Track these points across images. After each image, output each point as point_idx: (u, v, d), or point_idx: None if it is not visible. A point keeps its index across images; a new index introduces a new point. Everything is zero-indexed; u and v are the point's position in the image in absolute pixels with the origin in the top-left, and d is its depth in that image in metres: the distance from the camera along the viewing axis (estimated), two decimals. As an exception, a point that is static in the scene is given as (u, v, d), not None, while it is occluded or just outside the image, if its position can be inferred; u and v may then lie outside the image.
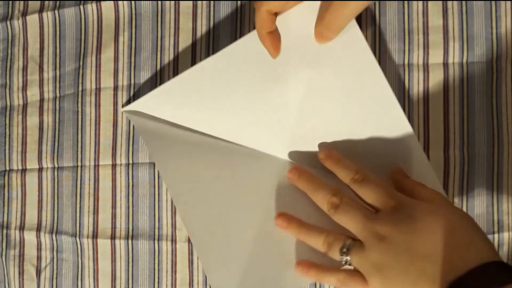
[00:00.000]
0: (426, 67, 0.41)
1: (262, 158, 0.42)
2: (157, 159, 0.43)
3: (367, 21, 0.42)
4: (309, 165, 0.40)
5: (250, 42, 0.40)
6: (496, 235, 0.40)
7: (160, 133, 0.43)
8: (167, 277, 0.45)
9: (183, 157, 0.43)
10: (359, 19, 0.42)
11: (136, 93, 0.45)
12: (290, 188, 0.41)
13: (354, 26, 0.38)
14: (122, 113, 0.45)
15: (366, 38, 0.42)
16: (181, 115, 0.42)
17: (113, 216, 0.45)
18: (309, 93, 0.40)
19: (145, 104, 0.43)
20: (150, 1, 0.45)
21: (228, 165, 0.42)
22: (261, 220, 0.41)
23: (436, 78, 0.41)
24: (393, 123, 0.39)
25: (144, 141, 0.44)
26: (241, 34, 0.44)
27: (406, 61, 0.41)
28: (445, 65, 0.41)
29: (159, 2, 0.45)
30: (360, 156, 0.39)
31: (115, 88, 0.46)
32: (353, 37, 0.38)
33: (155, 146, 0.43)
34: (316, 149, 0.40)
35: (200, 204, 0.42)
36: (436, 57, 0.41)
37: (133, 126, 0.45)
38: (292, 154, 0.41)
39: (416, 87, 0.41)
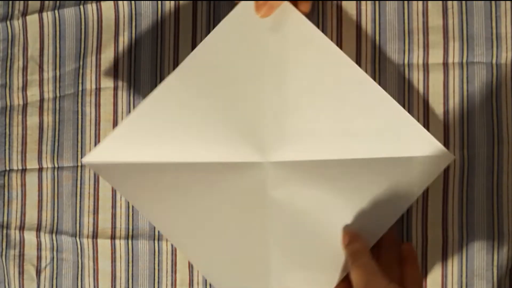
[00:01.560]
0: (426, 67, 0.41)
1: (243, 167, 0.40)
2: (135, 201, 0.41)
3: (367, 21, 0.42)
4: (293, 160, 0.39)
5: (200, 57, 0.39)
6: (496, 236, 0.40)
7: (131, 175, 0.41)
8: (167, 277, 0.45)
9: (161, 191, 0.41)
10: (359, 18, 0.42)
11: (136, 93, 0.45)
12: (279, 190, 0.39)
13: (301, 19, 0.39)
14: (122, 113, 0.45)
15: (366, 38, 0.42)
16: (147, 152, 0.40)
17: (113, 216, 0.45)
18: (277, 90, 0.39)
19: (106, 150, 0.40)
20: (150, 1, 0.45)
21: (209, 185, 0.40)
22: (254, 225, 0.40)
23: (436, 78, 0.41)
24: (367, 92, 0.38)
25: (116, 188, 0.42)
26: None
27: (406, 61, 0.41)
28: (445, 65, 0.41)
29: (159, 2, 0.45)
30: (347, 139, 0.38)
31: (115, 88, 0.45)
32: (298, 23, 0.39)
33: (129, 189, 0.41)
34: (296, 143, 0.39)
35: (194, 231, 0.41)
36: (436, 57, 0.41)
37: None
38: (272, 155, 0.40)
39: (416, 87, 0.41)
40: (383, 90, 0.38)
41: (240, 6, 0.39)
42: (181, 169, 0.40)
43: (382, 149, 0.38)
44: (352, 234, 0.38)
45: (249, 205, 0.40)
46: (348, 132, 0.38)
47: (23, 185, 0.47)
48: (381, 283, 0.34)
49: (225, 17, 0.39)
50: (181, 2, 0.44)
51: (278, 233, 0.39)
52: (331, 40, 0.42)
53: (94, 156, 0.40)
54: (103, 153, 0.40)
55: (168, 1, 0.45)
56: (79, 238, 0.46)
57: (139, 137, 0.40)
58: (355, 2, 0.42)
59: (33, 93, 0.47)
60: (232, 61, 0.40)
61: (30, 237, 0.47)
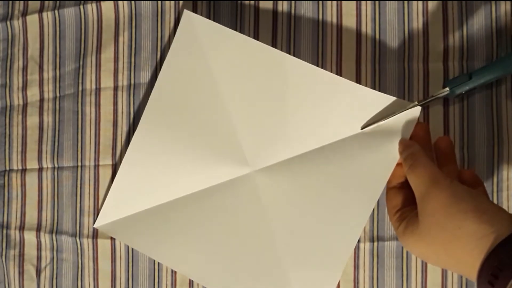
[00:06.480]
0: (425, 67, 0.41)
1: (234, 183, 0.41)
2: (151, 251, 0.44)
3: (367, 21, 0.42)
4: (277, 162, 0.40)
5: (163, 91, 0.42)
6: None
7: (138, 226, 0.43)
8: (167, 277, 0.45)
9: (167, 231, 0.43)
10: (359, 18, 0.42)
11: (136, 93, 0.45)
12: (273, 194, 0.40)
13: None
14: (122, 113, 0.45)
15: (366, 38, 0.42)
16: (145, 199, 0.43)
17: (113, 216, 0.45)
18: (238, 102, 0.41)
19: (110, 212, 0.44)
20: (150, 1, 0.45)
21: (209, 210, 0.42)
22: (259, 233, 0.41)
23: (435, 78, 0.41)
24: (328, 83, 0.39)
25: (130, 243, 0.44)
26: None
27: (406, 61, 0.41)
28: (445, 65, 0.41)
29: (159, 2, 0.45)
30: (320, 128, 0.39)
31: (115, 88, 0.46)
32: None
33: (141, 240, 0.44)
34: (275, 146, 0.40)
35: (207, 258, 0.42)
36: (435, 57, 0.41)
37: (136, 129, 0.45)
38: (257, 163, 0.41)
39: (416, 88, 0.41)
40: (330, 73, 0.39)
41: (184, 17, 0.42)
42: (178, 205, 0.42)
43: (355, 125, 0.39)
44: (406, 141, 0.37)
45: (249, 216, 0.41)
46: (318, 121, 0.39)
47: (23, 185, 0.47)
48: (444, 181, 0.32)
49: (175, 37, 0.42)
50: (181, 2, 0.44)
51: (282, 234, 0.40)
52: (331, 40, 0.43)
53: (103, 219, 0.44)
54: (108, 215, 0.44)
55: (168, 1, 0.45)
56: (79, 238, 0.46)
57: (133, 190, 0.43)
58: (355, 2, 0.42)
59: (33, 93, 0.47)
60: (190, 87, 0.42)
61: (30, 237, 0.47)
